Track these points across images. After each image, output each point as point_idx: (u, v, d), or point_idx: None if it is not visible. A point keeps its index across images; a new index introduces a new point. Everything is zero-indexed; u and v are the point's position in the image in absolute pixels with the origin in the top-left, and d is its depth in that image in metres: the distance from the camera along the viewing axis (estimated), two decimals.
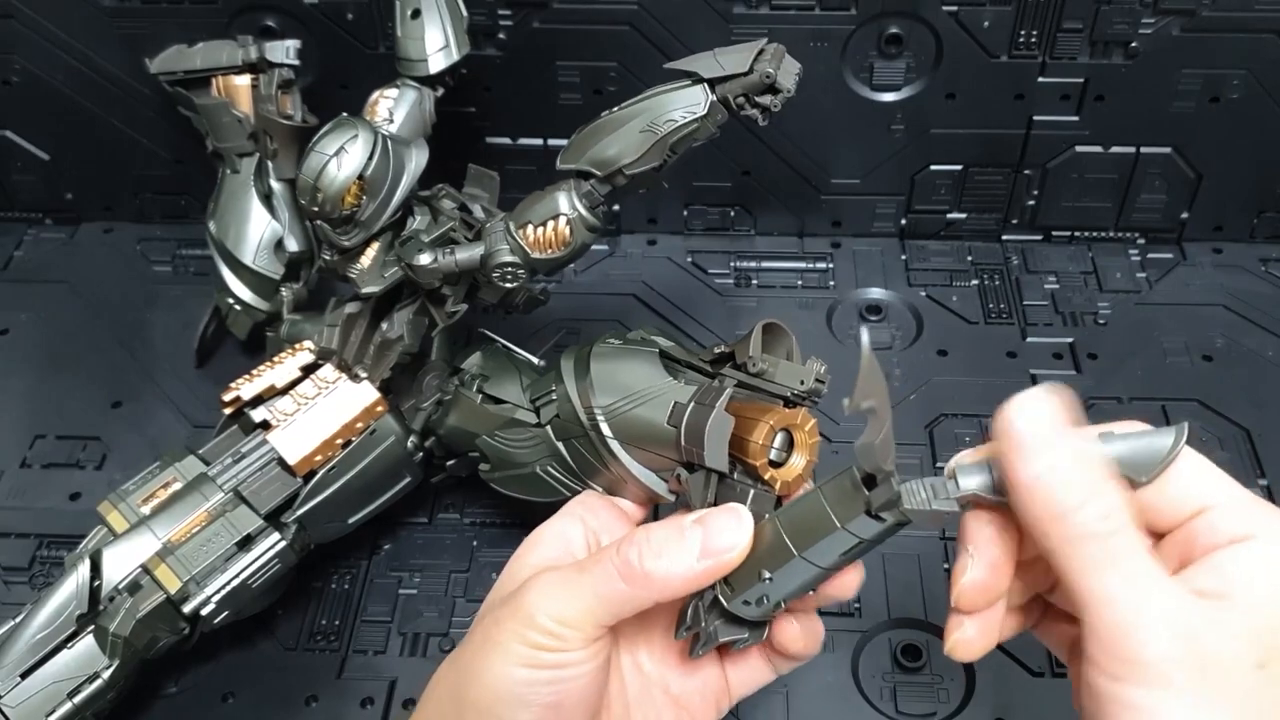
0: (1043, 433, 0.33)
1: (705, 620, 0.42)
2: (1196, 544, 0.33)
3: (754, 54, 0.46)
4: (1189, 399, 0.67)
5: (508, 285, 0.52)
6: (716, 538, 0.40)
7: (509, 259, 0.51)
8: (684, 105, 0.47)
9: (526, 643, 0.39)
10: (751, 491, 0.43)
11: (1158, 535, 0.35)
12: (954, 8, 0.67)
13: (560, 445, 0.52)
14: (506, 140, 0.75)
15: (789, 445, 0.44)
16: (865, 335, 0.36)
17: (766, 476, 0.42)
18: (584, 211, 0.50)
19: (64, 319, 0.76)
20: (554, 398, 0.52)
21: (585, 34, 0.69)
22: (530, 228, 0.50)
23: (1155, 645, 0.31)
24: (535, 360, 0.58)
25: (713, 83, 0.47)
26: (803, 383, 0.44)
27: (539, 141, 0.75)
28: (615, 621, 0.40)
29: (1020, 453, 0.33)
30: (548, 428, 0.53)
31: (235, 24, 0.70)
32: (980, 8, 0.67)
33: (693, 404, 0.45)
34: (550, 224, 0.50)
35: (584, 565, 0.41)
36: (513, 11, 0.68)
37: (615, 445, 0.49)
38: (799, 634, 0.44)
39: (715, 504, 0.44)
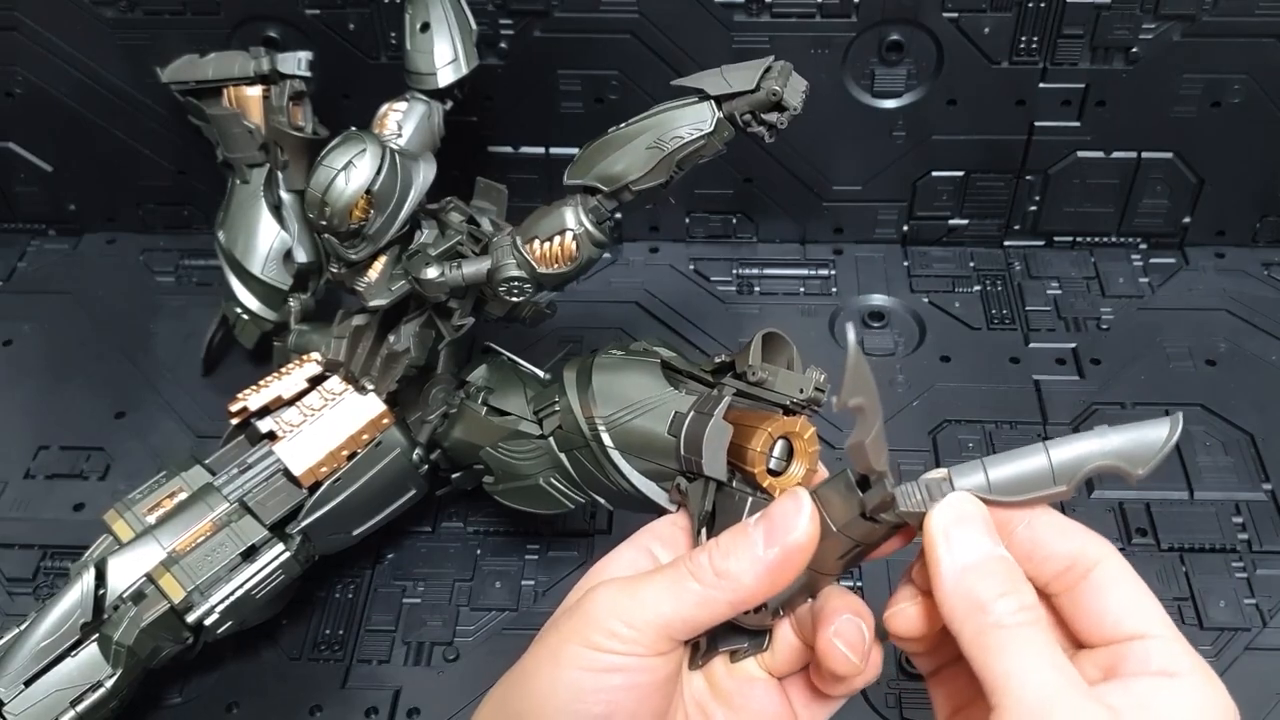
0: (968, 530, 0.36)
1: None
2: (1123, 666, 0.35)
3: (761, 71, 0.46)
4: (1192, 404, 0.67)
5: (514, 299, 0.52)
6: (778, 525, 0.38)
7: (515, 273, 0.51)
8: (691, 122, 0.47)
9: (586, 644, 0.37)
10: (750, 499, 0.42)
11: (1079, 646, 0.37)
12: (955, 14, 0.67)
13: (563, 456, 0.52)
14: (508, 149, 0.75)
15: (789, 454, 0.43)
16: (850, 331, 0.36)
17: (765, 485, 0.42)
18: (590, 227, 0.50)
19: (67, 330, 0.76)
20: (556, 409, 0.52)
21: (586, 43, 0.69)
22: (537, 242, 0.50)
23: None
24: (540, 373, 0.58)
25: (719, 100, 0.47)
26: (802, 391, 0.44)
27: (541, 150, 0.75)
28: (687, 634, 0.38)
29: (946, 546, 0.35)
30: (550, 439, 0.53)
31: (237, 35, 0.70)
32: (981, 14, 0.67)
33: (692, 413, 0.45)
34: (557, 239, 0.50)
35: (653, 572, 0.39)
36: (514, 20, 0.69)
37: (616, 455, 0.49)
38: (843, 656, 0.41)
39: (713, 513, 0.43)
